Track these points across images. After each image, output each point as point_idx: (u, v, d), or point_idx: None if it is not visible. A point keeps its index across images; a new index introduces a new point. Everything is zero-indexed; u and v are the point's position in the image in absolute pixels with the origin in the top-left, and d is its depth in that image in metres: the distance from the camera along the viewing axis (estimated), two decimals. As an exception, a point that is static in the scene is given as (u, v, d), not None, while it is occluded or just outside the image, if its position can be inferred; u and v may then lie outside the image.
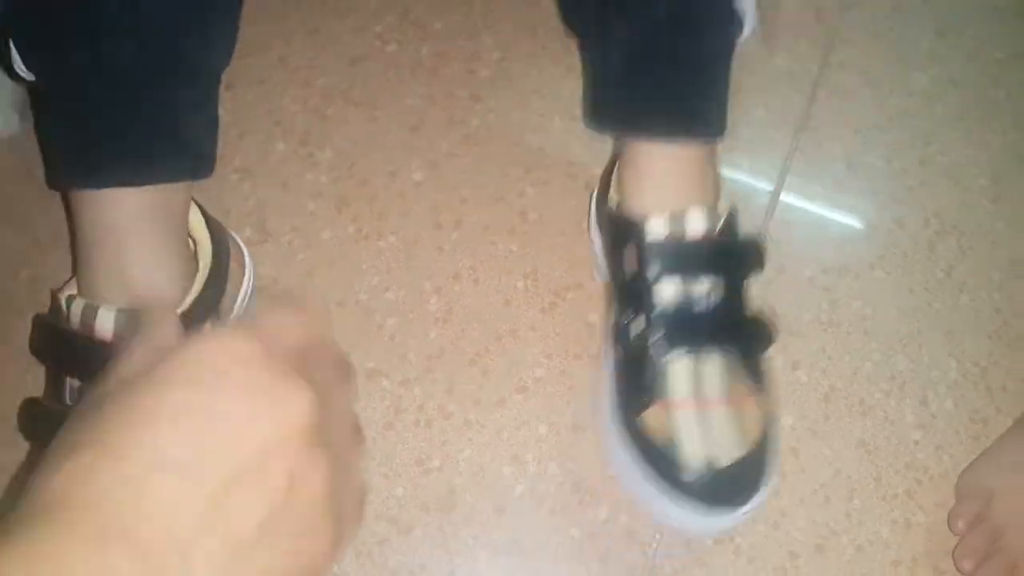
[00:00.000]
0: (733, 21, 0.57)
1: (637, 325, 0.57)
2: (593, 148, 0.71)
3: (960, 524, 0.61)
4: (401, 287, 0.64)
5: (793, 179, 0.72)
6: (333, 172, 0.68)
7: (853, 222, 0.72)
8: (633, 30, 0.57)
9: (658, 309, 0.56)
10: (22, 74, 0.52)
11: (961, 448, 0.64)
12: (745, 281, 0.58)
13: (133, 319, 0.51)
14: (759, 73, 0.65)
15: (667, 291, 0.56)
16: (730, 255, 0.58)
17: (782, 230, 0.63)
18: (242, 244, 0.62)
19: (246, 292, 0.62)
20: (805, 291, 0.64)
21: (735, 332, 0.58)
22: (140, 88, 0.52)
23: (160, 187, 0.53)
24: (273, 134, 0.68)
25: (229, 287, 0.59)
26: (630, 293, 0.58)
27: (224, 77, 0.57)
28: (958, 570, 0.60)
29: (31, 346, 0.56)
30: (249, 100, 0.69)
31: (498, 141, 0.71)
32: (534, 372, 0.63)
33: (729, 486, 0.55)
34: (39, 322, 0.56)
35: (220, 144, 0.57)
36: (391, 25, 0.76)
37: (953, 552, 0.60)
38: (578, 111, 0.73)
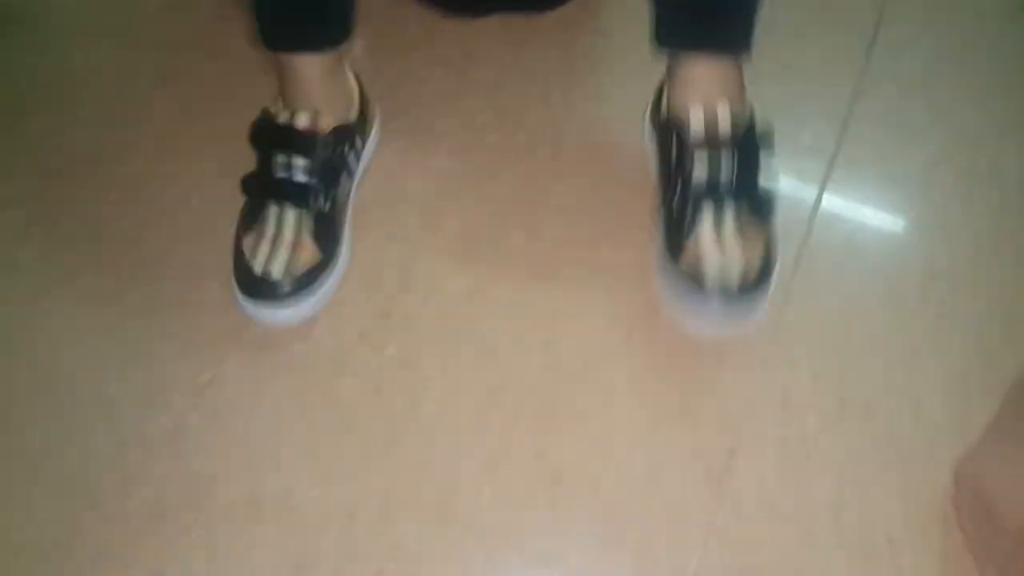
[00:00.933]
0: None
1: (679, 193, 0.82)
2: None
3: (966, 528, 0.75)
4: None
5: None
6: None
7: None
8: None
9: (694, 180, 0.81)
10: None
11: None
12: (759, 157, 0.82)
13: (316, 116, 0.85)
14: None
15: (700, 166, 0.81)
16: (748, 139, 0.82)
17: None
18: (378, 112, 0.96)
19: (374, 138, 0.96)
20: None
21: (747, 192, 0.82)
22: None
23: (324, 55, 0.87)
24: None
25: (369, 130, 0.95)
26: (675, 171, 0.83)
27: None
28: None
29: (251, 137, 0.87)
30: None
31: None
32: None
33: (726, 302, 0.79)
34: (258, 121, 0.87)
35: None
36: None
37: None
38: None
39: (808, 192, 0.93)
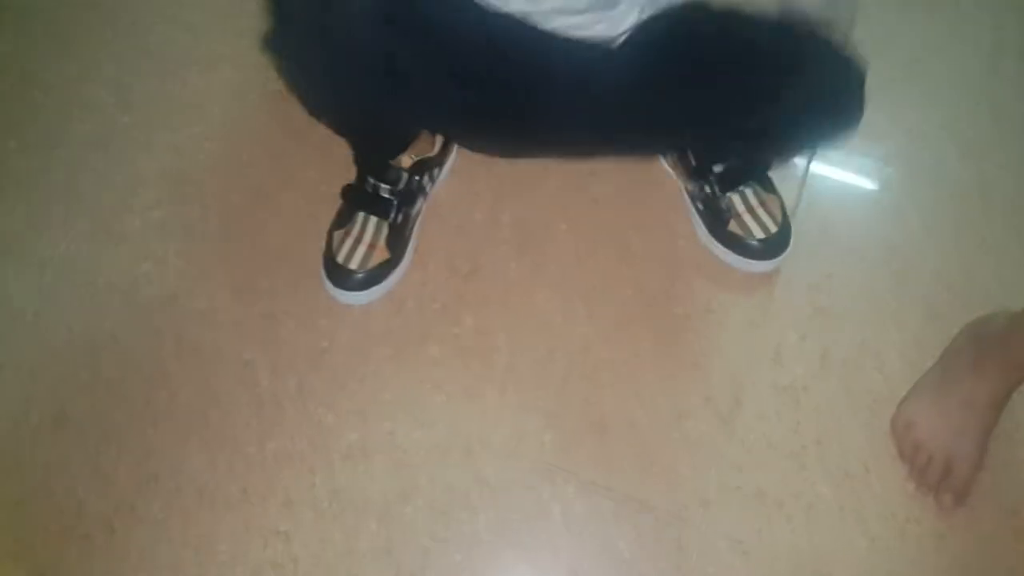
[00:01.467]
0: None
1: (708, 188, 1.07)
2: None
3: (906, 462, 0.96)
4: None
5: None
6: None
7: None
8: None
9: (718, 175, 1.06)
10: None
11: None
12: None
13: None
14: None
15: (719, 166, 1.07)
16: None
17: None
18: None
19: (451, 162, 1.15)
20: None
21: (753, 176, 1.08)
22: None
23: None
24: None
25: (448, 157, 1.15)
26: (698, 172, 1.08)
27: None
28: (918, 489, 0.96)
29: (353, 160, 1.07)
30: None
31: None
32: None
33: (774, 247, 1.06)
34: (346, 189, 1.08)
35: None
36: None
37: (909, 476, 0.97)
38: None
39: (790, 187, 1.13)
